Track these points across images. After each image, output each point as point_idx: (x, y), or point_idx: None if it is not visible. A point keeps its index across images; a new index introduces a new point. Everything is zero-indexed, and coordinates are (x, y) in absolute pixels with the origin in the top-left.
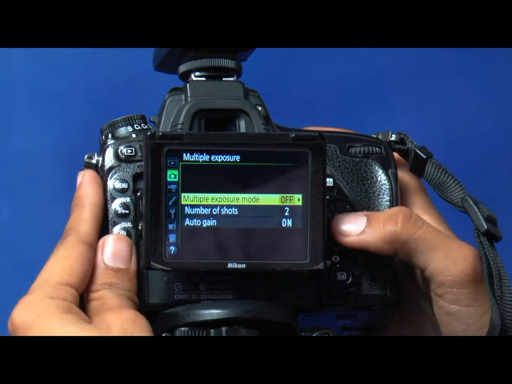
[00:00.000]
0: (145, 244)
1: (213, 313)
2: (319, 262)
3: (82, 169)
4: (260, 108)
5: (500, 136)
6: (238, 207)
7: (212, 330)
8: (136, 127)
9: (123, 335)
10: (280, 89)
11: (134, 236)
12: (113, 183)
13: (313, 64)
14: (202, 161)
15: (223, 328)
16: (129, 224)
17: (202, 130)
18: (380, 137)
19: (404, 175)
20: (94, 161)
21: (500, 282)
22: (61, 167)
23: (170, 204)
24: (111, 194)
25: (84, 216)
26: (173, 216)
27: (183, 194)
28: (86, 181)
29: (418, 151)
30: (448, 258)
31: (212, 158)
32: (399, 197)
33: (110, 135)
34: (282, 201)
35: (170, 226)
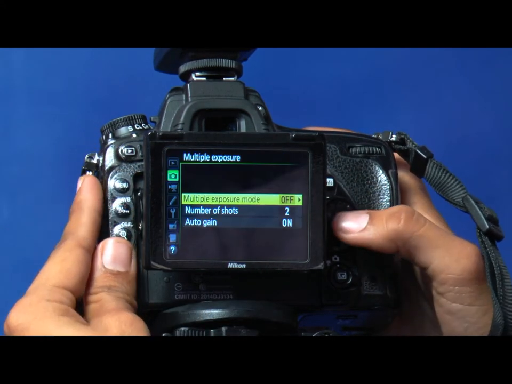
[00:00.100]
0: (146, 243)
1: (213, 313)
2: (319, 262)
3: (82, 169)
4: (260, 108)
5: (500, 136)
6: (238, 207)
7: (212, 330)
8: (137, 127)
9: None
10: (280, 89)
11: (134, 235)
12: (113, 183)
13: (313, 64)
14: (203, 161)
15: (223, 328)
16: (129, 224)
17: (203, 130)
18: (380, 137)
19: (404, 175)
20: (94, 161)
21: (502, 282)
22: (61, 167)
23: (170, 203)
24: (112, 194)
25: (82, 221)
26: (173, 216)
27: (183, 194)
28: (85, 186)
29: (418, 151)
30: (450, 257)
31: (212, 158)
32: (399, 197)
33: (110, 135)
34: (283, 201)
35: (171, 226)
